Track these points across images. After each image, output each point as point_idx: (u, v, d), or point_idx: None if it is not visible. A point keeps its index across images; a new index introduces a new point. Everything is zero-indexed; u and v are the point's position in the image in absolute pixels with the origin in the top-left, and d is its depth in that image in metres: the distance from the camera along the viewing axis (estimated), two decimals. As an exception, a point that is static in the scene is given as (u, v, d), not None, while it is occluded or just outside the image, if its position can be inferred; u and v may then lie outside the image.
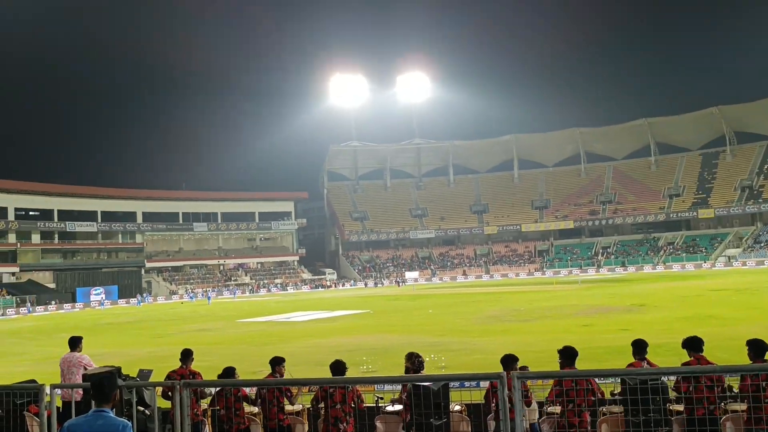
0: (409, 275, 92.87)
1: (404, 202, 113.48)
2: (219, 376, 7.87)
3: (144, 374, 9.62)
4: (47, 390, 6.11)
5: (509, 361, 7.23)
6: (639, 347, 7.54)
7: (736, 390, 6.92)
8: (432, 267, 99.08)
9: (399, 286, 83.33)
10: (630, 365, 7.49)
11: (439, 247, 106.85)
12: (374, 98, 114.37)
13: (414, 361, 7.92)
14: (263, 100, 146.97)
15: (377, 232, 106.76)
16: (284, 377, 8.11)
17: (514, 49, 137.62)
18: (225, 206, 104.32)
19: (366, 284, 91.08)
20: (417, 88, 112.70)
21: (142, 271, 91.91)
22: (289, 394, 7.85)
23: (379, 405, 8.42)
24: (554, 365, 7.28)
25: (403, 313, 39.53)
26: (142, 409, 7.95)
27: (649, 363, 7.59)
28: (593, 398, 6.88)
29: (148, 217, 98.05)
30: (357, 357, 18.86)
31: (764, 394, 6.29)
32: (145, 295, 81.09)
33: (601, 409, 7.43)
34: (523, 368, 7.51)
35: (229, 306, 59.37)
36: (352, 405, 7.36)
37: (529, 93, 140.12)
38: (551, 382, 7.04)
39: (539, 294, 49.14)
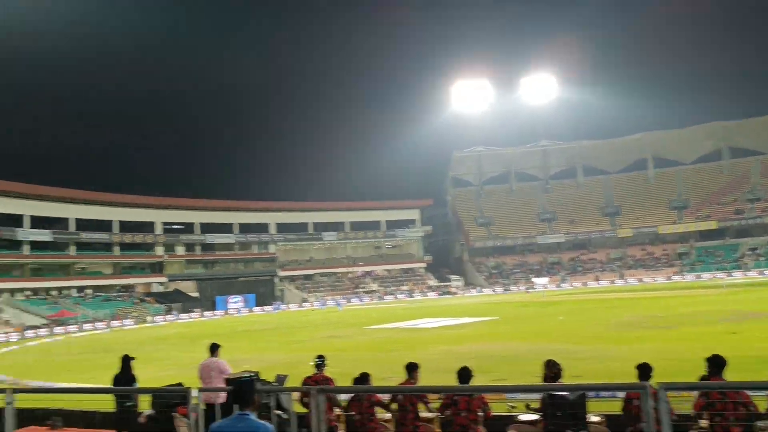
0: (538, 281, 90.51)
1: (531, 206, 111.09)
2: (354, 382, 8.00)
3: (280, 379, 10.00)
4: (194, 393, 6.50)
5: (646, 369, 6.84)
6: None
7: None
8: (562, 272, 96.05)
9: (528, 292, 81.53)
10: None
11: (569, 251, 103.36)
12: (498, 102, 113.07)
13: (553, 369, 7.68)
14: (387, 109, 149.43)
15: (503, 238, 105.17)
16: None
17: (641, 43, 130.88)
18: (352, 215, 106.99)
19: (494, 290, 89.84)
20: (542, 89, 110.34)
21: (276, 280, 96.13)
22: (426, 400, 7.85)
23: (513, 413, 8.23)
24: (694, 376, 6.80)
25: (532, 320, 38.57)
26: (279, 413, 8.26)
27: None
28: (745, 412, 6.33)
29: (281, 228, 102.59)
30: (485, 364, 18.57)
31: None
32: (277, 303, 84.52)
33: (757, 424, 6.82)
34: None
35: (357, 313, 60.63)
36: (479, 413, 7.24)
37: (659, 89, 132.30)
38: (692, 393, 6.56)
39: (679, 299, 46.22)
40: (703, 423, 6.47)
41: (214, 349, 9.55)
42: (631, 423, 6.92)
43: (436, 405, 8.76)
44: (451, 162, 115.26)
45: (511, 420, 7.96)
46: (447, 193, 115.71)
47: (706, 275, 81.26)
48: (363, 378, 8.07)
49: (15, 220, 75.76)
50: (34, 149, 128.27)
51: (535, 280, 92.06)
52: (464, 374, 7.47)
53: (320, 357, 8.88)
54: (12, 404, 6.08)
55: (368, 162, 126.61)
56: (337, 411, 8.32)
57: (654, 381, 4.47)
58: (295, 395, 8.45)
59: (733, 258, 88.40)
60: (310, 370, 8.96)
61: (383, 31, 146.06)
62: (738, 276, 77.27)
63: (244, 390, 4.51)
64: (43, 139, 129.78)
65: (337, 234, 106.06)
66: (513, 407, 8.67)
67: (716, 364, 6.53)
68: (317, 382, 7.95)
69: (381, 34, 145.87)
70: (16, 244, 76.14)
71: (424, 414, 7.98)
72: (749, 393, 6.59)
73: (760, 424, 6.84)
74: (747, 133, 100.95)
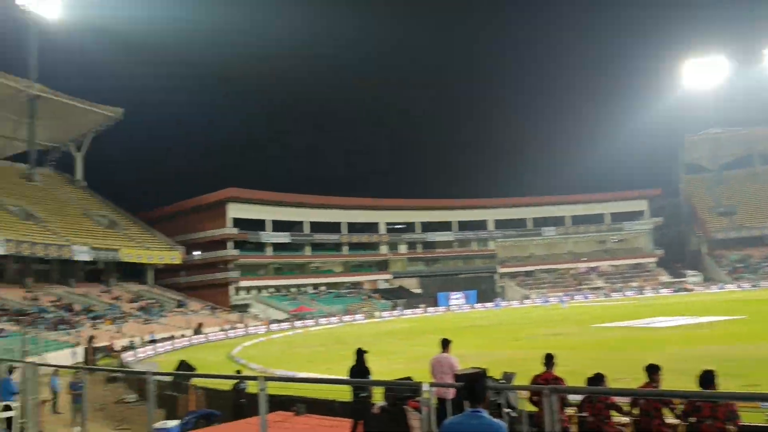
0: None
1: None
2: (587, 382, 7.60)
3: (508, 377, 9.85)
4: (425, 387, 6.58)
5: None
6: None
7: None
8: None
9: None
10: None
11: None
12: (736, 78, 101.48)
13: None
14: (609, 94, 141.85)
15: (748, 228, 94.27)
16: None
17: None
18: (573, 209, 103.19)
19: (739, 286, 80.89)
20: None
21: (496, 277, 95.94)
22: (672, 406, 7.20)
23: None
24: None
25: (789, 319, 34.02)
26: (508, 411, 8.11)
27: None
28: None
29: (499, 224, 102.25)
30: (733, 368, 16.65)
31: None
32: (497, 300, 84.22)
33: None
34: None
35: (582, 310, 58.27)
36: (726, 422, 6.45)
37: None
38: None
39: None
40: None
41: (445, 344, 9.68)
42: None
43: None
44: (682, 147, 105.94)
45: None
46: (679, 180, 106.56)
47: None
48: (597, 378, 7.62)
49: (259, 225, 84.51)
50: (269, 159, 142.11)
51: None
52: (707, 378, 6.72)
53: (549, 355, 8.55)
54: (264, 391, 6.63)
55: (589, 153, 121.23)
56: (569, 411, 7.95)
57: None
58: (523, 393, 8.25)
59: None
60: (536, 369, 8.68)
61: (605, 13, 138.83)
62: None
63: (476, 387, 4.44)
64: (273, 150, 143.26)
65: (557, 229, 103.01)
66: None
67: None
68: (547, 381, 7.66)
69: (602, 16, 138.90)
70: (260, 246, 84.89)
71: (670, 420, 7.32)
72: None
73: None
74: None
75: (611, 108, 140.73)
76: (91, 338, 37.45)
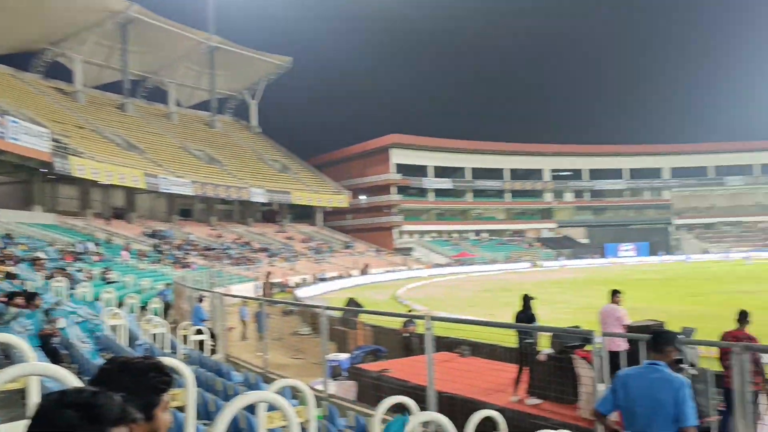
0: None
1: None
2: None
3: (687, 332, 9.19)
4: (597, 338, 6.31)
5: None
6: None
7: None
8: None
9: None
10: None
11: None
12: None
13: None
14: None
15: None
16: None
17: None
18: (763, 157, 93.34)
19: None
20: None
21: (670, 228, 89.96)
22: None
23: None
24: None
25: None
26: (688, 367, 7.59)
27: None
28: None
29: (676, 172, 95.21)
30: None
31: None
32: (678, 252, 79.00)
33: None
34: None
35: (771, 267, 53.18)
36: None
37: None
38: None
39: None
40: None
41: (614, 295, 9.25)
42: None
43: None
44: None
45: None
46: None
47: None
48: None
49: (421, 171, 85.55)
50: (433, 105, 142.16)
51: None
52: None
53: (743, 312, 7.79)
54: (430, 330, 6.71)
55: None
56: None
57: None
58: (703, 352, 7.67)
59: None
60: (718, 327, 7.98)
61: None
62: None
63: (662, 337, 4.15)
64: (440, 95, 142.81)
65: (744, 178, 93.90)
66: None
67: None
68: (738, 339, 7.02)
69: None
70: (422, 192, 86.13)
71: None
72: None
73: None
74: None
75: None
76: (268, 274, 40.32)
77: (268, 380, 7.70)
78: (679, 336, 8.59)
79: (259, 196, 64.29)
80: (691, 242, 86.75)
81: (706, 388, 6.66)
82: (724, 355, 7.17)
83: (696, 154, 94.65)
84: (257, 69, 78.03)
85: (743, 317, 7.68)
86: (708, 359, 7.81)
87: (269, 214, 72.11)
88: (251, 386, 6.72)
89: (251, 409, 4.52)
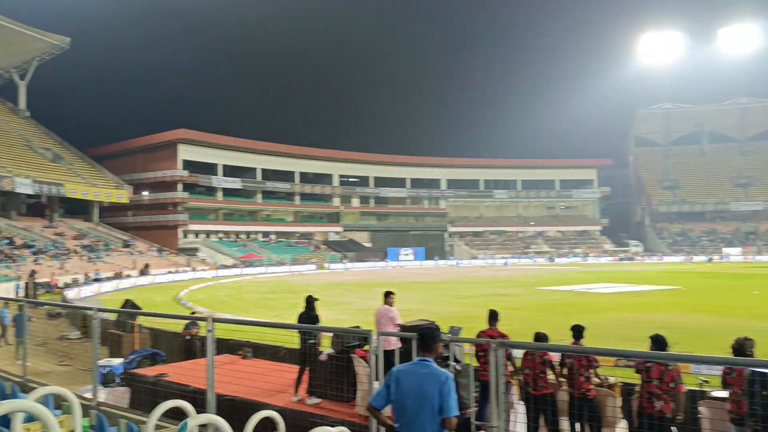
0: (729, 251, 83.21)
1: (725, 170, 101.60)
2: (533, 340, 7.85)
3: (455, 331, 10.01)
4: (374, 337, 6.66)
5: None
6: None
7: None
8: (758, 243, 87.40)
9: (710, 261, 75.93)
10: None
11: (767, 221, 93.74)
12: (690, 55, 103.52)
13: (747, 346, 6.93)
14: (563, 63, 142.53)
15: (691, 203, 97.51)
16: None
17: None
18: (525, 173, 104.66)
19: (678, 259, 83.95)
20: (743, 41, 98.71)
21: (445, 235, 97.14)
22: (596, 365, 7.50)
23: (704, 389, 7.61)
24: None
25: (721, 292, 35.59)
26: (453, 363, 8.29)
27: None
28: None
29: (452, 184, 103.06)
30: (668, 335, 17.37)
31: None
32: (448, 258, 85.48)
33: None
34: None
35: (528, 273, 59.68)
36: (671, 385, 6.75)
37: None
38: None
39: None
40: None
41: (387, 296, 9.75)
42: None
43: (605, 372, 8.36)
44: (634, 120, 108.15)
45: (703, 396, 7.37)
46: (629, 153, 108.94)
47: None
48: (539, 337, 7.88)
49: (210, 169, 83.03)
50: (226, 104, 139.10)
51: (725, 249, 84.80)
52: (659, 341, 7.00)
53: (493, 312, 8.75)
54: (212, 332, 6.60)
55: (544, 119, 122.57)
56: (512, 367, 8.19)
57: None
58: (468, 350, 8.43)
59: None
60: (480, 326, 8.85)
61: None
62: None
63: (429, 336, 4.51)
64: (233, 94, 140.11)
65: (508, 192, 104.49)
66: (705, 382, 8.02)
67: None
68: (492, 337, 7.84)
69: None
70: (211, 191, 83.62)
71: (596, 379, 7.67)
72: None
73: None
74: None
75: (567, 77, 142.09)
76: (32, 273, 36.59)
77: (28, 389, 7.01)
78: (445, 335, 9.35)
79: (25, 186, 57.87)
80: (462, 248, 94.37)
81: (468, 381, 7.31)
82: (480, 352, 7.97)
83: (470, 168, 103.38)
84: (28, 47, 70.25)
85: (493, 317, 8.60)
86: (470, 356, 8.58)
87: (37, 207, 65.20)
88: (5, 396, 6.08)
89: (5, 421, 4.11)
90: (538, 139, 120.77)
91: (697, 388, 7.80)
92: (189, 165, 79.86)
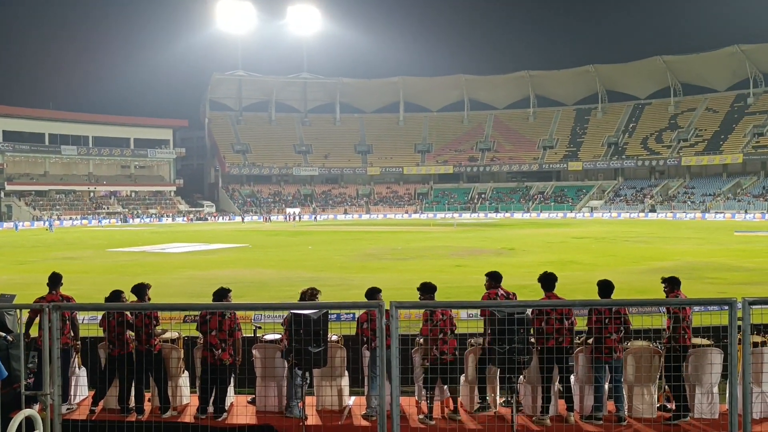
0: (291, 211, 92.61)
1: (289, 138, 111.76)
2: (106, 301, 7.68)
3: (6, 299, 9.15)
4: None
5: (374, 292, 7.57)
6: (494, 278, 8.04)
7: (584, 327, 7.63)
8: (314, 204, 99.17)
9: (266, 221, 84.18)
10: (486, 295, 7.99)
11: (321, 185, 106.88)
12: (263, 27, 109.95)
13: (309, 294, 8.04)
14: (140, 22, 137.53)
15: (260, 167, 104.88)
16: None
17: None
18: (97, 129, 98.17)
19: (244, 219, 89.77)
20: (307, 20, 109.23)
21: (1, 194, 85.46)
22: (155, 322, 7.79)
23: (257, 335, 8.55)
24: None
25: (282, 248, 39.58)
26: (3, 335, 7.63)
27: (506, 293, 8.12)
28: (454, 327, 7.49)
29: (10, 136, 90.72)
30: (234, 290, 18.73)
31: (606, 329, 7.06)
32: (15, 221, 75.49)
33: (469, 340, 8.01)
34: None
35: (98, 234, 56.79)
36: (228, 333, 7.49)
37: (420, 36, 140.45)
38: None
39: (416, 235, 50.68)
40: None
41: None
42: (363, 341, 7.64)
43: (185, 327, 8.80)
44: (210, 84, 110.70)
45: (257, 341, 8.28)
46: (204, 115, 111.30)
47: (441, 215, 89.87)
48: (114, 296, 7.79)
49: None
50: None
51: (288, 210, 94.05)
52: (219, 294, 7.68)
53: (55, 275, 8.25)
54: None
55: (120, 74, 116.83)
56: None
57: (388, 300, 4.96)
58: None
59: (465, 201, 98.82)
60: (43, 292, 8.31)
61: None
62: (467, 217, 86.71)
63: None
64: None
65: (78, 149, 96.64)
66: (259, 328, 9.00)
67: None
68: (53, 303, 7.44)
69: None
70: None
71: (166, 335, 8.07)
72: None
73: (471, 340, 8.02)
74: (486, 88, 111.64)
75: (144, 37, 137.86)
76: None
77: None
78: (-4, 304, 8.52)
79: None
80: (23, 209, 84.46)
81: (19, 353, 6.81)
82: (36, 316, 7.50)
83: (32, 119, 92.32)
84: None
85: (53, 282, 8.14)
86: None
87: None
88: None
89: None
90: (112, 95, 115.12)
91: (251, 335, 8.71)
92: None
